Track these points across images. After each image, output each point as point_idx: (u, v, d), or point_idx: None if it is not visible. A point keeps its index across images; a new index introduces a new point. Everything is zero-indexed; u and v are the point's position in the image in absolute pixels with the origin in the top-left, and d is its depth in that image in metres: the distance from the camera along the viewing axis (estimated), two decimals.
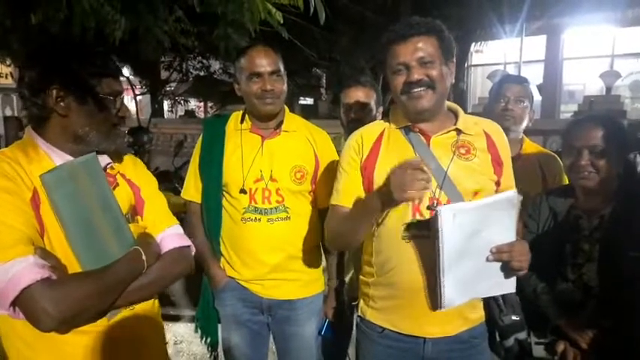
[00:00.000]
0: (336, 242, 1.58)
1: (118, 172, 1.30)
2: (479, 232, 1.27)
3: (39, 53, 1.20)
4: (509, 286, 1.34)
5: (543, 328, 1.60)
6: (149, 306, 1.28)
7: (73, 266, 1.12)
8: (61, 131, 1.18)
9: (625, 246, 1.48)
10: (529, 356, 1.58)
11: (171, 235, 1.30)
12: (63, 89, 1.14)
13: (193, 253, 1.36)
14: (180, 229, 1.36)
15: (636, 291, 1.45)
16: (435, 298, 1.31)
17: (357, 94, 2.11)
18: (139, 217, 1.30)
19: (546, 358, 1.58)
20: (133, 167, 1.35)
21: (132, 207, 1.29)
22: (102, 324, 1.17)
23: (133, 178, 1.32)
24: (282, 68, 1.75)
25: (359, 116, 2.07)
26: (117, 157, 1.32)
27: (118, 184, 1.27)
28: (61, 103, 1.15)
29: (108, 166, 1.26)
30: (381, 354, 1.48)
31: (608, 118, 1.63)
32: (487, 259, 1.28)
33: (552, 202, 1.69)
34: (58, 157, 1.17)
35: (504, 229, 1.28)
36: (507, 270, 1.30)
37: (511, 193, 1.28)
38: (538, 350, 1.59)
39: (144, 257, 1.17)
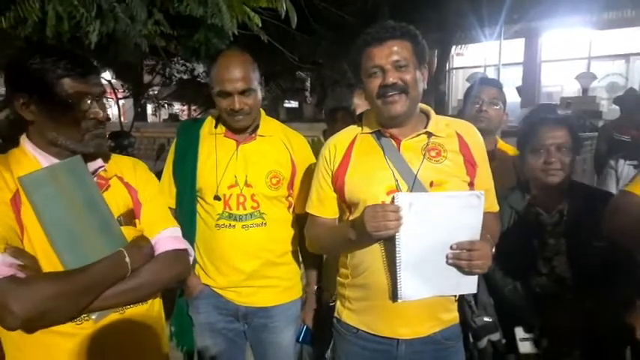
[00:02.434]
0: (316, 250, 1.64)
1: (115, 175, 1.29)
2: (440, 227, 1.28)
3: (7, 61, 1.18)
4: (471, 286, 1.35)
5: (529, 323, 1.63)
6: (143, 309, 1.25)
7: (56, 267, 1.12)
8: (37, 136, 1.18)
9: (589, 237, 1.55)
10: (515, 353, 1.61)
11: (166, 238, 1.28)
12: (26, 95, 1.13)
13: (192, 258, 1.34)
14: (178, 232, 1.34)
15: (607, 278, 1.53)
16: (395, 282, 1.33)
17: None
18: (136, 221, 1.28)
19: (532, 353, 1.61)
20: (132, 170, 1.34)
21: (129, 210, 1.27)
22: (88, 326, 1.16)
23: (131, 182, 1.31)
24: (254, 82, 1.66)
25: None
26: (113, 160, 1.31)
27: (109, 187, 1.26)
28: (27, 110, 1.14)
29: (100, 169, 1.25)
30: (356, 355, 1.50)
31: (566, 118, 1.74)
32: (447, 256, 1.29)
33: (511, 201, 1.74)
34: (46, 161, 1.17)
35: (469, 229, 1.29)
36: (467, 270, 1.31)
37: (475, 192, 1.29)
38: (525, 346, 1.61)
39: (127, 260, 1.16)
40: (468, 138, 1.45)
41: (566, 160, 1.63)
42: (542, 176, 1.65)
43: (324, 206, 1.53)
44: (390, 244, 1.32)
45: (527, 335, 1.62)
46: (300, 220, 1.81)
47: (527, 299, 1.63)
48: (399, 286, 1.31)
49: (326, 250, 1.60)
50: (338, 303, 1.57)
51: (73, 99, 1.14)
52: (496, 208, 1.54)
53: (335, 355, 1.59)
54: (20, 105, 1.13)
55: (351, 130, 1.53)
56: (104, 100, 1.22)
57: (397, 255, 1.28)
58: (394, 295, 1.34)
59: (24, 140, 1.20)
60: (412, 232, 1.26)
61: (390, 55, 1.34)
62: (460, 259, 1.28)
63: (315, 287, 1.90)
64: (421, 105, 1.48)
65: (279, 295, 1.79)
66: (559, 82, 12.74)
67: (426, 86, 1.43)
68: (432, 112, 1.48)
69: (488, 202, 1.47)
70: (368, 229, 1.26)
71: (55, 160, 1.18)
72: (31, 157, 1.18)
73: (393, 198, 1.27)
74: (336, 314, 1.58)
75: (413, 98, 1.38)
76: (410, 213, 1.25)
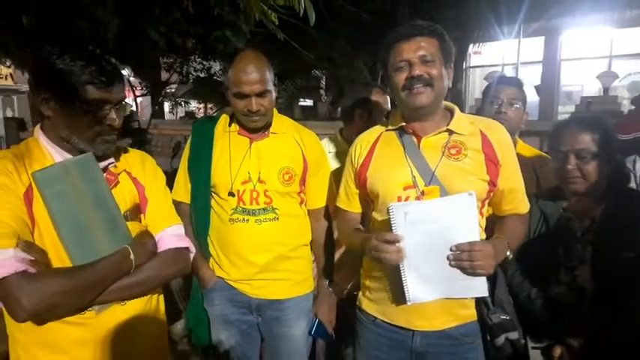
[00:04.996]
0: (346, 244, 1.68)
1: (124, 170, 1.32)
2: (438, 232, 1.28)
3: (37, 55, 1.21)
4: (481, 289, 1.34)
5: (539, 333, 1.60)
6: (143, 302, 1.30)
7: (65, 261, 1.15)
8: (51, 131, 1.21)
9: (617, 247, 1.47)
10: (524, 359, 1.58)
11: (169, 236, 1.32)
12: (49, 92, 1.16)
13: (193, 255, 1.37)
14: (181, 230, 1.37)
15: (630, 292, 1.45)
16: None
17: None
18: (142, 216, 1.31)
19: None
20: (140, 165, 1.36)
21: (135, 205, 1.30)
22: (90, 317, 1.20)
23: (139, 177, 1.34)
24: (270, 84, 1.68)
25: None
26: (123, 155, 1.34)
27: (118, 182, 1.29)
28: (46, 105, 1.17)
29: (110, 166, 1.28)
30: (374, 342, 1.55)
31: (594, 120, 1.62)
32: (448, 258, 1.29)
33: (542, 205, 1.68)
34: (59, 155, 1.21)
35: (467, 231, 1.29)
36: (471, 271, 1.30)
37: (465, 194, 1.29)
38: (535, 355, 1.58)
39: (132, 256, 1.19)
40: (492, 137, 1.45)
41: (587, 168, 1.52)
42: (561, 183, 1.60)
43: (350, 201, 1.61)
44: None
45: (537, 344, 1.59)
46: (312, 216, 1.86)
47: (542, 308, 1.59)
48: (405, 290, 1.33)
49: (354, 249, 1.63)
50: (360, 292, 1.64)
51: (93, 105, 1.17)
52: (523, 210, 1.52)
53: (356, 342, 1.64)
54: (41, 100, 1.16)
55: (377, 129, 1.59)
56: (124, 104, 1.24)
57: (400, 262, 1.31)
58: (404, 297, 1.35)
59: (38, 133, 1.23)
60: (411, 239, 1.29)
61: (418, 49, 1.37)
62: (461, 260, 1.28)
63: (327, 281, 1.91)
64: (446, 103, 1.50)
65: (291, 288, 1.82)
66: (579, 82, 12.46)
67: (450, 85, 1.45)
68: (457, 110, 1.49)
69: (513, 203, 1.49)
70: (371, 258, 1.36)
71: (67, 155, 1.21)
72: (45, 150, 1.21)
73: (388, 210, 1.30)
74: (357, 303, 1.64)
75: (438, 92, 1.40)
76: (406, 222, 1.28)
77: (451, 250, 1.28)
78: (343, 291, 1.96)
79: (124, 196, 1.28)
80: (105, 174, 1.26)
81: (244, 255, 1.75)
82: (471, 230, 1.29)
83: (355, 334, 1.64)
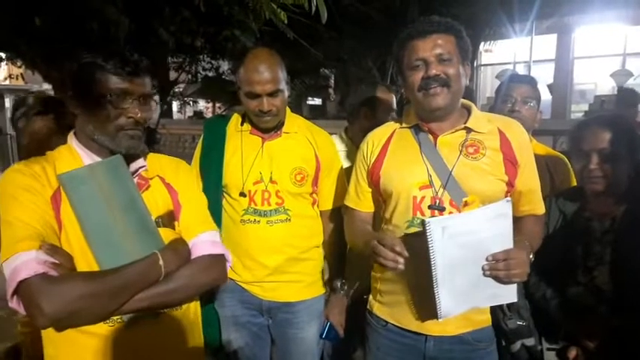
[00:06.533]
0: (353, 247, 1.63)
1: (157, 175, 1.28)
2: (473, 243, 1.23)
3: (64, 54, 1.21)
4: (510, 295, 1.30)
5: (555, 333, 1.57)
6: (178, 313, 1.24)
7: (92, 267, 1.11)
8: (80, 131, 1.20)
9: (638, 248, 1.44)
10: None
11: (204, 242, 1.25)
12: (74, 88, 1.15)
13: (229, 264, 1.30)
14: (216, 236, 1.31)
15: None
16: (433, 300, 1.29)
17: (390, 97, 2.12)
18: (176, 223, 1.26)
19: None
20: (174, 171, 1.33)
21: (169, 212, 1.26)
22: (121, 328, 1.15)
23: (173, 182, 1.30)
24: (282, 83, 1.64)
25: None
26: (157, 159, 1.31)
27: (149, 187, 1.24)
28: (73, 103, 1.16)
29: (141, 169, 1.24)
30: (385, 347, 1.51)
31: (616, 119, 1.59)
32: (483, 268, 1.24)
33: (562, 204, 1.65)
34: (88, 158, 1.18)
35: (500, 239, 1.24)
36: (506, 280, 1.25)
37: (501, 203, 1.24)
38: (549, 356, 1.56)
39: (161, 262, 1.13)
40: (510, 135, 1.40)
41: (609, 167, 1.50)
42: (583, 183, 1.57)
43: (360, 200, 1.56)
44: (421, 241, 1.28)
45: (553, 345, 1.57)
46: (325, 217, 1.84)
47: (558, 309, 1.56)
48: (437, 306, 1.27)
49: (359, 250, 1.59)
50: (371, 296, 1.60)
51: (114, 96, 1.14)
52: (540, 210, 1.49)
53: (366, 347, 1.61)
54: (68, 97, 1.16)
55: (390, 125, 1.54)
56: (151, 102, 1.20)
57: (434, 277, 1.24)
58: (432, 306, 1.29)
59: (70, 137, 1.22)
60: (448, 253, 1.22)
61: (434, 48, 1.32)
62: (497, 269, 1.23)
63: (339, 284, 1.88)
64: (463, 100, 1.45)
65: (302, 290, 1.80)
66: (593, 80, 12.30)
67: (467, 82, 1.40)
68: (474, 108, 1.45)
69: (531, 204, 1.45)
70: (372, 260, 1.31)
71: (98, 158, 1.18)
72: (75, 154, 1.19)
73: (424, 223, 1.21)
74: (368, 307, 1.60)
75: (454, 92, 1.36)
76: (444, 237, 1.21)
77: (487, 260, 1.23)
78: (350, 292, 1.94)
79: (155, 201, 1.23)
80: (135, 178, 1.22)
81: (255, 257, 1.73)
82: (506, 238, 1.24)
83: (365, 338, 1.61)
